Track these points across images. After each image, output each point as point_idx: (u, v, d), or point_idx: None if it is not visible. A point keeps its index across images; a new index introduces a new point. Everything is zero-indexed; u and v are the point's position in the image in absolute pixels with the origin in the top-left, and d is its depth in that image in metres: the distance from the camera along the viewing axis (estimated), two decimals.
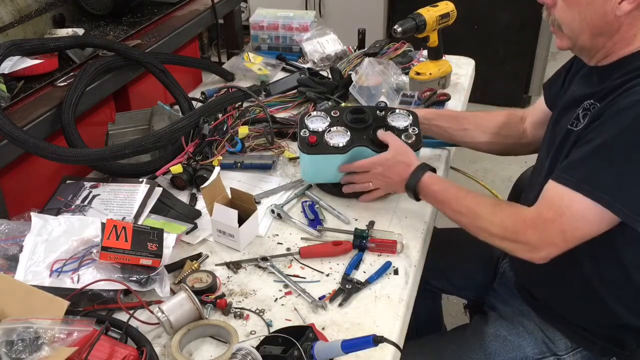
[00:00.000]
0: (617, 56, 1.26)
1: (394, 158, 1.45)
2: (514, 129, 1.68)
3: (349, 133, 1.51)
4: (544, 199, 1.25)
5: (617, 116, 1.17)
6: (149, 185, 1.51)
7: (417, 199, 1.44)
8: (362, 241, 1.39)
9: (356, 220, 1.50)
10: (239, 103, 1.89)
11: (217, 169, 1.46)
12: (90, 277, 1.23)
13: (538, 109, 1.61)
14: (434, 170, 1.45)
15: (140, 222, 1.42)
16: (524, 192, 1.58)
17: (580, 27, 1.25)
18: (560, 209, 1.21)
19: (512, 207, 1.32)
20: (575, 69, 1.45)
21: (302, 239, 1.44)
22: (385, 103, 1.59)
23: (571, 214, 1.20)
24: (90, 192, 1.52)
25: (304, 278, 1.33)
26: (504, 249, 1.33)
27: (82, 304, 1.21)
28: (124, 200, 1.49)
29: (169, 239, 1.34)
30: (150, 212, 1.47)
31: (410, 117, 1.57)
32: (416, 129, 1.54)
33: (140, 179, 1.55)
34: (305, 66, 2.21)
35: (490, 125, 1.70)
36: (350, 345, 1.03)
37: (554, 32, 1.33)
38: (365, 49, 2.26)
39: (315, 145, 1.50)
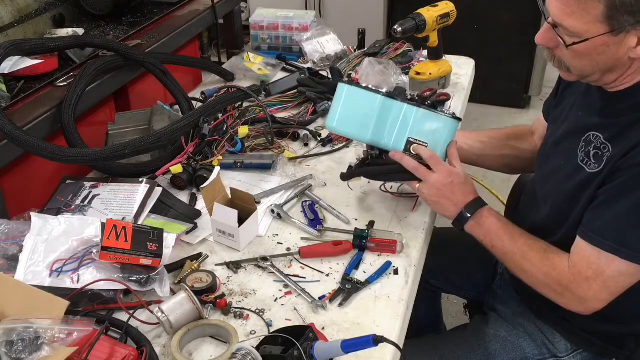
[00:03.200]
0: (628, 84, 1.23)
1: (466, 179, 1.39)
2: (525, 141, 1.66)
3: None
4: (579, 257, 1.25)
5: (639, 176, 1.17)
6: (149, 185, 1.51)
7: (462, 227, 1.38)
8: (362, 241, 1.39)
9: (356, 220, 1.50)
10: (239, 103, 1.89)
11: (217, 169, 1.46)
12: (90, 277, 1.23)
13: (541, 122, 1.60)
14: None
15: (140, 222, 1.42)
16: (523, 200, 1.57)
17: (592, 70, 1.22)
18: (599, 268, 1.22)
19: (558, 258, 1.29)
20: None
21: (302, 239, 1.44)
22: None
23: (612, 272, 1.21)
24: (90, 192, 1.52)
25: (304, 278, 1.33)
26: (548, 296, 1.32)
27: (82, 304, 1.21)
28: (124, 200, 1.49)
29: (169, 239, 1.34)
30: (150, 212, 1.47)
31: None
32: None
33: (140, 179, 1.55)
34: (305, 66, 2.21)
35: (504, 136, 1.69)
36: (350, 345, 1.03)
37: (558, 69, 1.29)
38: (365, 49, 2.26)
39: (357, 84, 1.43)
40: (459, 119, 1.43)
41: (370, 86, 1.42)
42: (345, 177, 1.51)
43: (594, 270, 1.22)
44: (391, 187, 1.59)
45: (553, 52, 1.26)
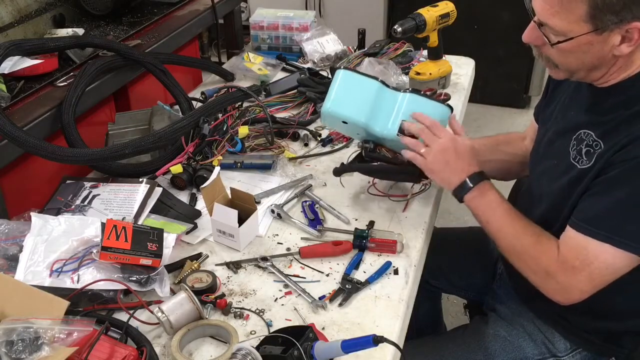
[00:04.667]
0: (615, 80, 1.24)
1: (471, 148, 1.39)
2: (517, 147, 1.66)
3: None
4: (568, 247, 1.25)
5: (634, 169, 1.17)
6: (149, 185, 1.51)
7: (461, 199, 1.38)
8: (362, 241, 1.39)
9: (356, 220, 1.50)
10: (239, 103, 1.89)
11: (217, 169, 1.46)
12: (90, 277, 1.23)
13: (533, 127, 1.60)
14: None
15: (140, 222, 1.42)
16: (519, 199, 1.57)
17: (578, 67, 1.24)
18: (587, 259, 1.22)
19: (550, 244, 1.29)
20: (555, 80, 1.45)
21: (302, 239, 1.44)
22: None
23: (599, 263, 1.21)
24: (90, 192, 1.52)
25: (304, 278, 1.33)
26: (534, 283, 1.32)
27: (82, 304, 1.21)
28: (124, 200, 1.49)
29: (169, 239, 1.34)
30: (150, 212, 1.47)
31: None
32: None
33: (140, 179, 1.55)
34: (305, 66, 2.22)
35: (494, 143, 1.69)
36: (350, 345, 1.03)
37: (547, 67, 1.31)
38: (365, 49, 2.26)
39: (354, 70, 1.46)
40: (451, 107, 1.46)
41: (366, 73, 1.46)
42: (337, 171, 1.54)
43: (581, 260, 1.22)
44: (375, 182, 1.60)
45: (540, 50, 1.28)
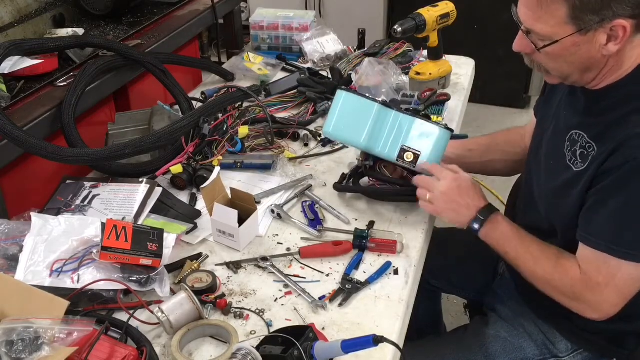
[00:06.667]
0: (607, 82, 1.24)
1: (474, 183, 1.40)
2: (516, 144, 1.66)
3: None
4: (588, 263, 1.25)
5: (627, 175, 1.16)
6: (149, 185, 1.51)
7: (477, 232, 1.39)
8: (362, 241, 1.39)
9: (356, 220, 1.50)
10: (239, 103, 1.89)
11: (217, 169, 1.46)
12: (90, 277, 1.23)
13: (533, 123, 1.60)
14: None
15: (140, 222, 1.42)
16: (519, 200, 1.57)
17: (569, 71, 1.23)
18: (609, 273, 1.22)
19: (571, 263, 1.28)
20: None
21: (302, 239, 1.44)
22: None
23: (622, 276, 1.21)
24: (90, 192, 1.52)
25: (304, 278, 1.33)
26: (561, 303, 1.32)
27: (82, 304, 1.21)
28: (124, 200, 1.49)
29: (169, 239, 1.34)
30: (150, 212, 1.47)
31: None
32: None
33: (140, 179, 1.55)
34: (305, 66, 2.22)
35: (492, 142, 1.70)
36: (350, 345, 1.03)
37: (539, 72, 1.30)
38: (365, 49, 2.26)
39: (354, 91, 1.48)
40: (451, 130, 1.47)
41: (367, 95, 1.47)
42: (339, 189, 1.57)
43: (604, 275, 1.22)
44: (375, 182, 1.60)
45: (531, 57, 1.27)
